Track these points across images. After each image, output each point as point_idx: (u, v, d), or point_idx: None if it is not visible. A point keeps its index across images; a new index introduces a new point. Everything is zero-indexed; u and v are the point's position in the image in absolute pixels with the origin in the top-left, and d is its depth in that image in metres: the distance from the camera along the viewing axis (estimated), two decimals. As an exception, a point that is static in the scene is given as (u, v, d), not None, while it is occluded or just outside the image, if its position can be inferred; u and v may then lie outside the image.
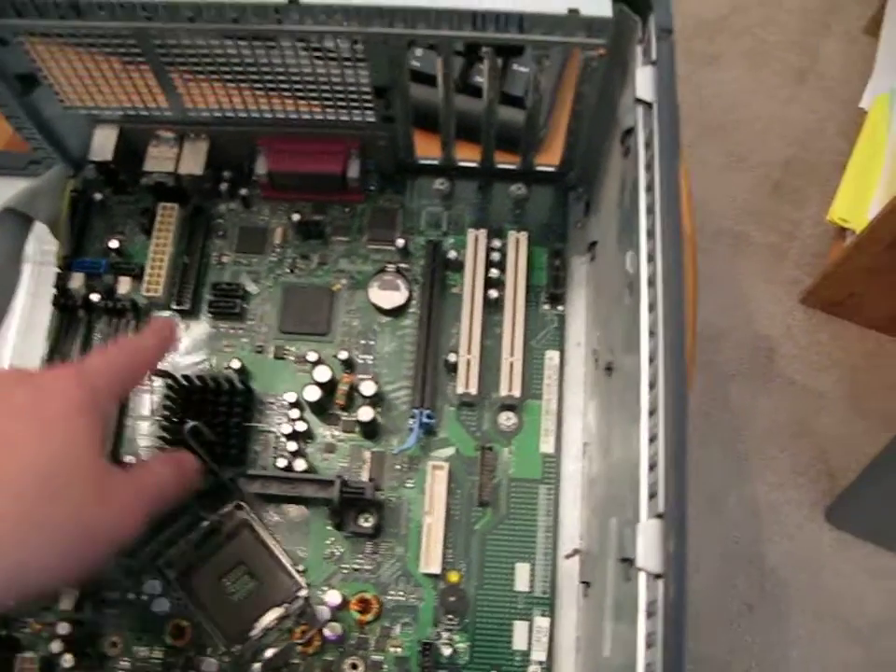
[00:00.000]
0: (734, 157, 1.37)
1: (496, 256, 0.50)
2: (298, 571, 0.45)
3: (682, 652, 0.28)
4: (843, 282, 1.19)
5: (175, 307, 0.50)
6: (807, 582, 1.15)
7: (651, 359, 0.33)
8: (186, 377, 0.47)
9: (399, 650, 0.44)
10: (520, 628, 0.44)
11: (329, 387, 0.47)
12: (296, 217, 0.50)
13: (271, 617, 0.43)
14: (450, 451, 0.47)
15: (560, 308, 0.50)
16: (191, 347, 0.50)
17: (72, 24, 0.39)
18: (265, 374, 0.49)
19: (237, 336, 0.50)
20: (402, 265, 0.51)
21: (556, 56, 0.57)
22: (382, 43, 0.40)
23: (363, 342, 0.50)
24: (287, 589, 0.44)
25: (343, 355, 0.48)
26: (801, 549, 1.17)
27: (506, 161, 0.51)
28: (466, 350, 0.48)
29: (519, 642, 0.44)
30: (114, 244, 0.51)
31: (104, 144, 0.49)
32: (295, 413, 0.47)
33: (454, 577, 0.45)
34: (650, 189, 0.35)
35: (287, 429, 0.47)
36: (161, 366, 0.49)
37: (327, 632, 0.44)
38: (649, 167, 0.35)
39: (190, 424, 0.44)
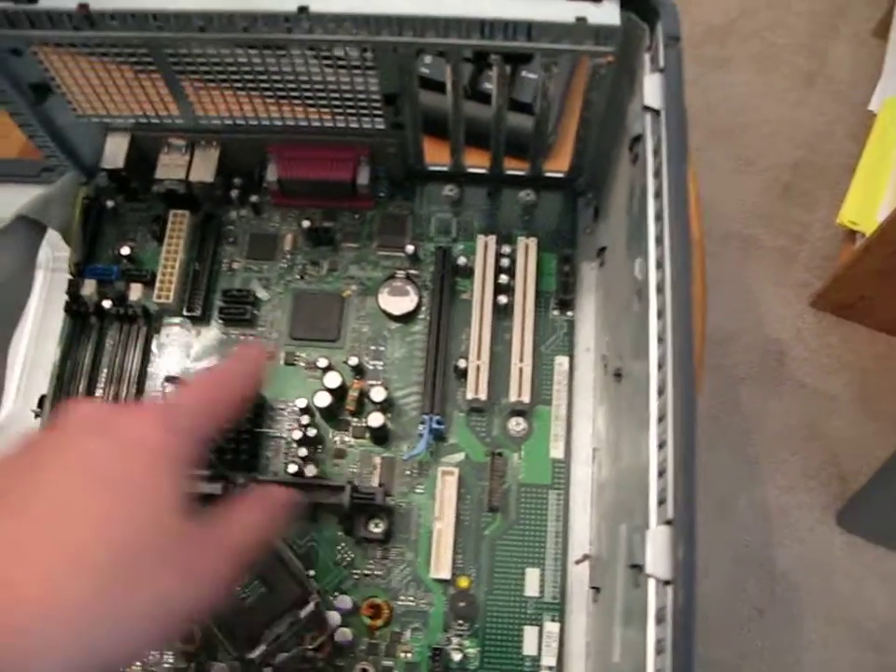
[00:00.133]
0: (742, 160, 1.37)
1: (505, 262, 0.50)
2: (308, 576, 0.45)
3: (692, 658, 0.28)
4: (853, 285, 1.19)
5: (185, 314, 0.50)
6: (818, 586, 1.15)
7: (660, 366, 0.33)
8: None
9: (409, 655, 0.44)
10: (530, 633, 0.44)
11: (339, 393, 0.48)
12: (306, 223, 0.51)
13: (281, 622, 0.44)
14: (460, 456, 0.48)
15: (569, 314, 0.50)
16: (202, 353, 0.50)
17: (84, 34, 0.40)
18: (276, 380, 0.49)
19: (248, 342, 0.50)
20: (412, 271, 0.51)
21: (565, 63, 0.57)
22: (391, 51, 0.41)
23: (373, 348, 0.50)
24: (298, 594, 0.44)
25: (354, 361, 0.48)
26: (812, 553, 1.17)
27: (515, 168, 0.52)
28: (475, 356, 0.48)
29: (529, 647, 0.44)
30: (125, 250, 0.51)
31: (115, 152, 0.50)
32: (306, 418, 0.48)
33: (464, 582, 0.45)
34: (658, 195, 0.35)
35: (298, 435, 0.47)
36: (171, 372, 0.49)
37: (337, 637, 0.44)
38: (657, 174, 0.35)
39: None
